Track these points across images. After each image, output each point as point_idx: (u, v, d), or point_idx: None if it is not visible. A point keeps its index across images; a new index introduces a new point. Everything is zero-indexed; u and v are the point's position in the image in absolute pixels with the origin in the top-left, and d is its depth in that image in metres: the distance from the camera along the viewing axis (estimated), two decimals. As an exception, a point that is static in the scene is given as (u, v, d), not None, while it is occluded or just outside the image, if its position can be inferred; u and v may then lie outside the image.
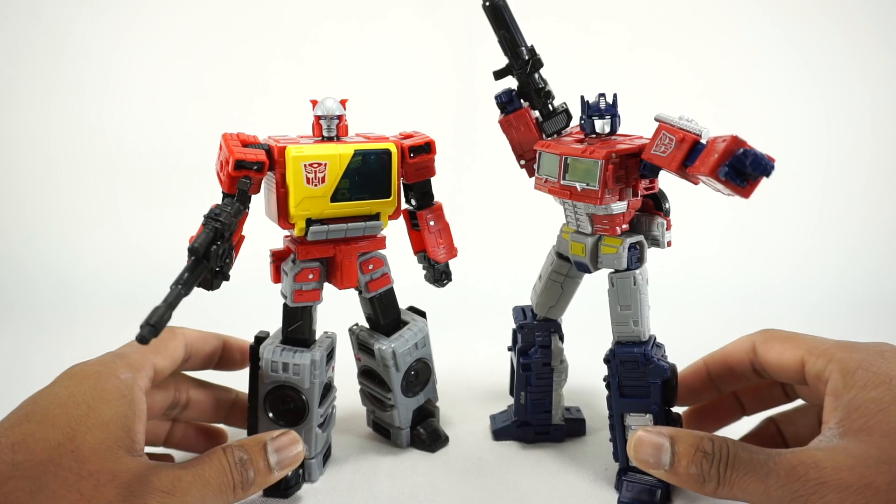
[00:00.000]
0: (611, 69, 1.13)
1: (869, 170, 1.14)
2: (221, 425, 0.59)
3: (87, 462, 0.39)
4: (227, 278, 0.47)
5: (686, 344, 0.59)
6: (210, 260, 0.44)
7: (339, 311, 0.63)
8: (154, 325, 0.38)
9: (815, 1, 1.14)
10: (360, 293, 0.57)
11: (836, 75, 1.14)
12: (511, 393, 0.63)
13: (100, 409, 0.42)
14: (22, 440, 0.39)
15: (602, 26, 1.15)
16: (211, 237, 0.44)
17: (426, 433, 0.59)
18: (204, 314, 0.71)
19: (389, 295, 0.58)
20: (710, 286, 1.03)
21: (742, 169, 0.40)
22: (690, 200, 0.93)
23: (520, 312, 0.60)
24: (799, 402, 0.54)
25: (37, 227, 1.11)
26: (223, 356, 0.56)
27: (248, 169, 0.48)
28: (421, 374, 0.59)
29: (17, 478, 0.37)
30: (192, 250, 0.44)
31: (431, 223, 0.57)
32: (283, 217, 0.50)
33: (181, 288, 0.41)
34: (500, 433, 0.61)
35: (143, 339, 0.38)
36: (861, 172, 1.14)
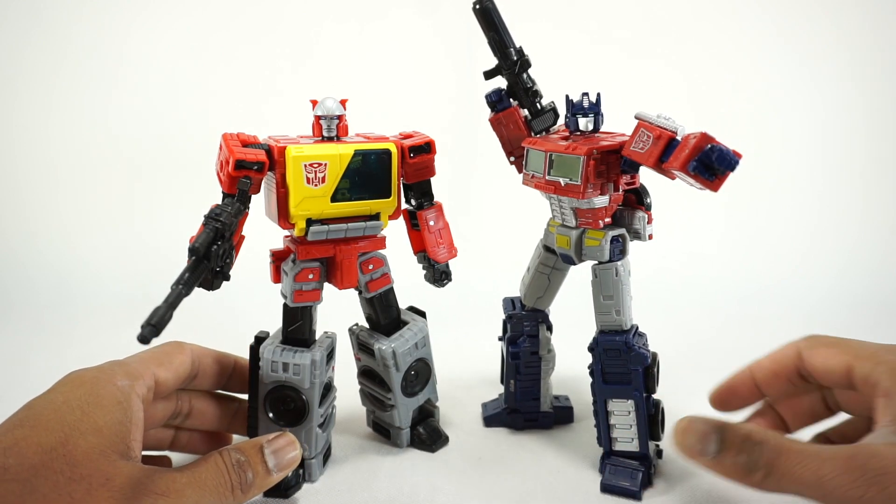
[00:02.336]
0: (610, 70, 1.13)
1: (868, 170, 1.14)
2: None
3: (79, 466, 0.39)
4: (227, 278, 0.47)
5: (684, 343, 0.59)
6: (211, 260, 0.44)
7: (340, 311, 0.63)
8: (155, 325, 0.38)
9: (815, 2, 1.14)
10: (360, 293, 0.57)
11: (835, 75, 1.14)
12: (502, 381, 0.64)
13: (94, 415, 0.42)
14: (14, 445, 0.39)
15: (601, 27, 1.15)
16: (212, 237, 0.44)
17: (426, 433, 0.59)
18: (204, 315, 0.71)
19: (389, 295, 0.58)
20: (710, 286, 1.03)
21: (709, 164, 0.43)
22: (690, 200, 0.93)
23: (509, 303, 0.63)
24: (843, 416, 0.54)
25: (37, 227, 1.11)
26: (233, 377, 0.56)
27: (249, 169, 0.48)
28: (421, 374, 0.59)
29: (7, 481, 0.37)
30: (192, 250, 0.44)
31: (431, 223, 0.57)
32: (284, 217, 0.50)
33: (182, 288, 0.41)
34: (490, 420, 0.63)
35: (143, 338, 0.38)
36: (860, 172, 1.14)
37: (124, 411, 0.43)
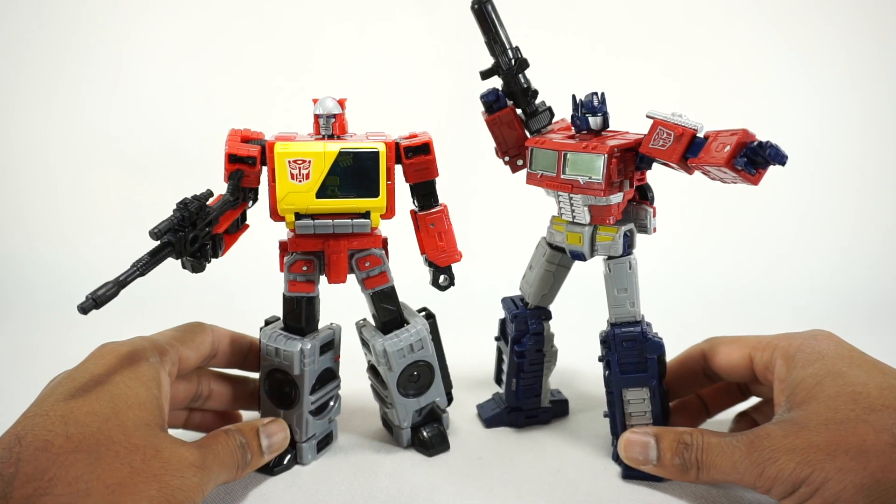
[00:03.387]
0: (605, 71, 1.13)
1: (866, 168, 1.14)
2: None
3: (132, 437, 0.41)
4: (206, 263, 0.48)
5: (683, 343, 0.59)
6: (175, 246, 0.45)
7: (354, 306, 0.63)
8: (95, 300, 0.40)
9: (813, 3, 1.13)
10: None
11: (833, 75, 1.14)
12: (496, 381, 0.65)
13: (136, 389, 0.44)
14: (71, 413, 0.40)
15: (599, 29, 1.15)
16: (173, 223, 0.45)
17: (428, 436, 0.58)
18: (211, 308, 0.71)
19: (389, 293, 0.57)
20: (708, 284, 1.03)
21: (755, 158, 0.43)
22: (688, 199, 0.93)
23: (510, 303, 0.62)
24: (755, 399, 0.58)
25: (36, 227, 1.11)
26: (249, 357, 0.58)
27: (243, 163, 0.50)
28: (423, 377, 0.58)
29: (73, 451, 0.38)
30: (151, 234, 0.44)
31: (432, 225, 0.56)
32: (273, 210, 0.52)
33: (137, 269, 0.43)
34: (491, 421, 0.63)
35: (83, 309, 0.39)
36: (858, 171, 1.14)
37: (159, 387, 0.45)
